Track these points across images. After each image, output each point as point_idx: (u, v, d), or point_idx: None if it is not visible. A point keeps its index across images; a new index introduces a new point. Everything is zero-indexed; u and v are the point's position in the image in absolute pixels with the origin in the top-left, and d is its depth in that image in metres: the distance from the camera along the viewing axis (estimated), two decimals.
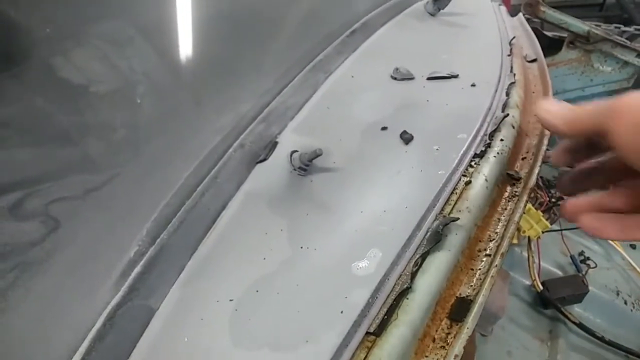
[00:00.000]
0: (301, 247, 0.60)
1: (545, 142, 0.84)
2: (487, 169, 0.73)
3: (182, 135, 0.70)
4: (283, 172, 0.71)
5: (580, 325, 1.21)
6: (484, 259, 0.64)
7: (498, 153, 0.76)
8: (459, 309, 0.58)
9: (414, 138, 0.77)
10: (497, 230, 0.68)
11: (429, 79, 0.95)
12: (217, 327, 0.52)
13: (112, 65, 0.68)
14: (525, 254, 1.28)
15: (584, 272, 1.32)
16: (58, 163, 0.55)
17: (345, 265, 0.57)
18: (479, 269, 0.63)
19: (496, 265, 0.61)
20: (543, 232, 1.19)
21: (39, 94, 0.55)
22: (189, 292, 0.56)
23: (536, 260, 1.27)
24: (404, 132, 0.77)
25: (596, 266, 1.33)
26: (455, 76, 0.96)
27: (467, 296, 0.59)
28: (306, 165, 0.70)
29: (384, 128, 0.80)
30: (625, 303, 1.32)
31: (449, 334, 0.56)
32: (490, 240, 0.66)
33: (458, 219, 0.63)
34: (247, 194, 0.67)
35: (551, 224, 1.29)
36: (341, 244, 0.60)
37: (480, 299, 0.57)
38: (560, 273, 1.37)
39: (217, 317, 0.53)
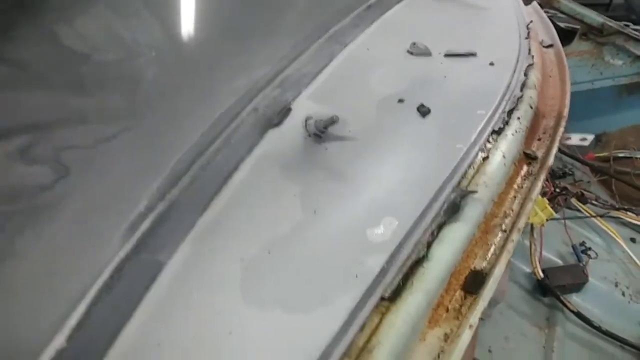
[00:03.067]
0: (315, 212, 0.59)
1: (563, 124, 0.83)
2: (504, 146, 0.71)
3: (196, 95, 0.68)
4: (297, 137, 0.69)
5: (578, 314, 1.21)
6: (500, 234, 0.63)
7: (516, 131, 0.75)
8: (474, 282, 0.57)
9: (431, 112, 0.75)
10: (514, 207, 0.67)
11: (446, 55, 0.93)
12: (228, 285, 0.51)
13: (132, 22, 0.65)
14: (526, 241, 1.27)
15: (584, 262, 1.32)
16: (71, 111, 0.53)
17: (360, 232, 0.56)
18: (494, 244, 0.62)
19: (512, 240, 0.60)
20: (547, 220, 1.18)
21: (58, 39, 0.52)
22: (199, 249, 0.54)
23: (538, 248, 1.27)
24: (421, 105, 0.76)
25: (597, 257, 1.33)
26: (473, 54, 0.94)
27: (481, 269, 0.58)
28: (321, 132, 0.68)
29: (400, 100, 0.78)
30: (623, 295, 1.33)
31: (462, 305, 0.55)
32: (506, 217, 0.65)
33: (476, 191, 0.62)
34: (260, 158, 0.66)
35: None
36: (356, 211, 0.59)
37: (495, 273, 0.56)
38: (560, 262, 1.37)
39: (228, 275, 0.52)
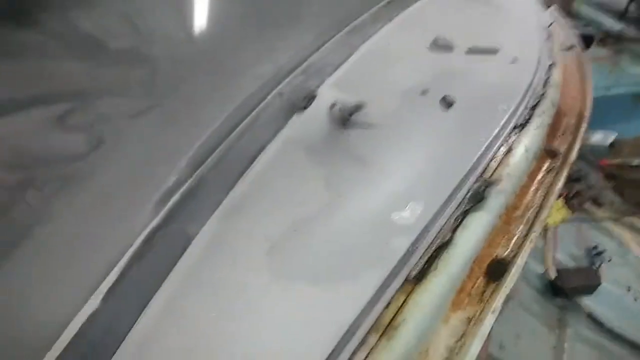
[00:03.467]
0: (339, 195, 0.60)
1: (585, 122, 0.83)
2: (527, 140, 0.72)
3: (223, 77, 0.69)
4: (322, 123, 0.70)
5: (590, 316, 1.21)
6: (522, 226, 0.63)
7: (538, 126, 0.76)
8: (496, 269, 0.58)
9: (455, 104, 0.75)
10: (535, 200, 0.67)
11: (468, 51, 0.93)
12: (254, 260, 0.52)
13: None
14: (540, 242, 1.27)
15: (597, 265, 1.31)
16: (107, 83, 0.54)
17: (385, 215, 0.57)
18: (516, 234, 0.62)
19: (535, 231, 0.61)
20: (563, 221, 1.18)
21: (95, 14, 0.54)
22: (226, 226, 0.55)
23: (551, 249, 1.26)
24: (445, 97, 0.76)
25: (610, 260, 1.32)
26: (495, 51, 0.94)
27: (504, 258, 0.59)
28: (347, 118, 0.69)
29: (423, 92, 0.78)
30: (635, 300, 1.32)
31: (485, 291, 0.56)
32: (528, 209, 0.66)
33: (500, 182, 0.62)
34: (285, 141, 0.67)
35: None
36: (380, 196, 0.60)
37: (519, 261, 0.57)
38: (572, 264, 1.36)
39: (254, 252, 0.53)
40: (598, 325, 1.21)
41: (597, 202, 1.52)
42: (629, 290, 1.34)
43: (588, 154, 1.80)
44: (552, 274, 1.25)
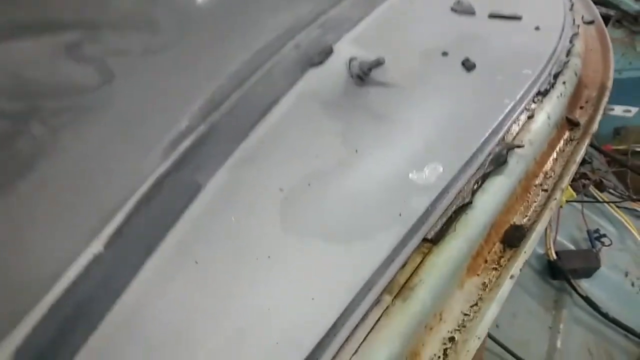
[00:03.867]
0: (356, 151, 0.57)
1: (607, 94, 0.80)
2: (549, 107, 0.69)
3: (241, 23, 0.65)
4: (339, 78, 0.66)
5: (587, 299, 1.20)
6: (541, 193, 0.61)
7: (561, 94, 0.73)
8: (513, 235, 0.55)
9: (476, 67, 0.72)
10: (555, 169, 0.65)
11: (490, 16, 0.90)
12: (267, 212, 0.49)
13: None
14: None
15: (597, 249, 1.30)
16: (123, 15, 0.50)
17: (403, 173, 0.54)
18: (535, 202, 0.60)
19: (556, 199, 0.58)
20: (567, 202, 1.16)
21: None
22: (238, 175, 0.52)
23: (553, 230, 1.25)
24: (466, 59, 0.73)
25: (611, 244, 1.31)
26: (518, 18, 0.90)
27: (522, 225, 0.57)
28: (365, 73, 0.65)
29: (444, 53, 0.75)
30: (633, 285, 1.32)
31: (502, 257, 0.54)
32: (548, 177, 0.64)
33: (522, 145, 0.60)
34: (300, 94, 0.63)
35: None
36: (399, 154, 0.57)
37: (538, 227, 0.55)
38: (572, 247, 1.35)
39: (267, 203, 0.50)
40: (594, 308, 1.20)
41: (600, 187, 1.50)
42: (626, 275, 1.33)
43: (593, 138, 1.77)
44: (553, 255, 1.23)
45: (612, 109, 1.65)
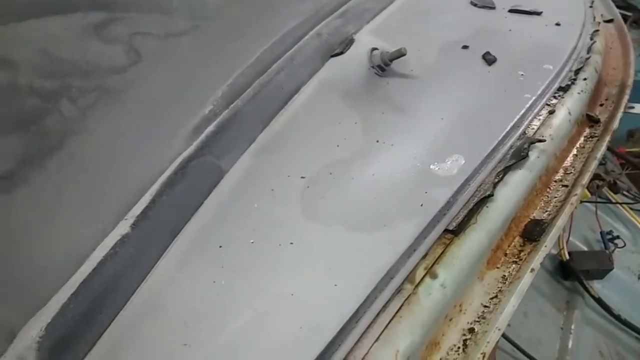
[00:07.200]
0: (377, 141, 0.57)
1: (628, 92, 0.79)
2: (570, 103, 0.69)
3: (261, 12, 0.65)
4: (359, 68, 0.66)
5: (599, 300, 1.19)
6: (561, 189, 0.61)
7: (582, 90, 0.72)
8: (533, 230, 0.55)
9: (497, 60, 0.72)
10: (576, 165, 0.64)
11: (510, 11, 0.89)
12: (289, 199, 0.49)
13: None
14: None
15: (610, 250, 1.29)
16: None
17: (425, 164, 0.54)
18: (555, 197, 0.60)
19: (576, 194, 0.58)
20: (581, 202, 1.15)
21: None
22: (260, 162, 0.53)
23: (566, 231, 1.24)
24: (487, 53, 0.72)
25: (624, 246, 1.30)
26: (538, 13, 0.90)
27: (542, 219, 0.56)
28: (386, 64, 0.65)
29: (464, 47, 0.75)
30: None
31: (521, 251, 0.54)
32: (568, 173, 0.63)
33: (544, 140, 0.60)
34: (321, 83, 0.63)
35: None
36: (420, 145, 0.57)
37: (558, 222, 0.54)
38: (585, 248, 1.34)
39: (289, 190, 0.50)
40: (606, 310, 1.19)
41: (614, 188, 1.49)
42: (639, 278, 1.32)
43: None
44: (566, 255, 1.23)
45: (633, 107, 1.63)
